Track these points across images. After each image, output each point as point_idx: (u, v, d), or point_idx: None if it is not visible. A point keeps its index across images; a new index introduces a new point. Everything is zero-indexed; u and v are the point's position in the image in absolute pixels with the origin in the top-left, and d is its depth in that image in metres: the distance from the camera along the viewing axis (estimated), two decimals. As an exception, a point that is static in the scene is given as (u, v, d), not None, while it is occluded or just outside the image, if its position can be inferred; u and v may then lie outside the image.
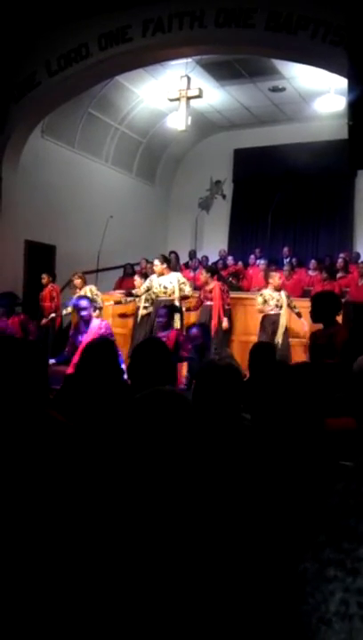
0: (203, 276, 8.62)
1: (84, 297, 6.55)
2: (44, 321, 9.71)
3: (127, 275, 11.89)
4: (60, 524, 1.37)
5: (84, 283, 8.93)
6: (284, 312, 7.91)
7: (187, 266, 12.69)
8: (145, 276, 9.05)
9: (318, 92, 11.37)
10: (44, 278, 10.02)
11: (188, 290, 7.88)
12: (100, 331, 5.79)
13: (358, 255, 12.06)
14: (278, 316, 7.90)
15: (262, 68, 11.02)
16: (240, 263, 12.53)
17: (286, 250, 12.15)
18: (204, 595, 1.16)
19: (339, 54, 7.05)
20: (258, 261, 11.81)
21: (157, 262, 8.11)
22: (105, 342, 3.29)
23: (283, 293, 8.04)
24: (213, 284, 8.37)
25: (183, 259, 12.92)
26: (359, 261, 11.34)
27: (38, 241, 11.25)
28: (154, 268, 8.27)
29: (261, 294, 8.13)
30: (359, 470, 0.45)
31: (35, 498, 1.48)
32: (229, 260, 12.66)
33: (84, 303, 5.99)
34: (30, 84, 9.63)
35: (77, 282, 8.89)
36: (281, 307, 7.93)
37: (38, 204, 10.96)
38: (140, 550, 1.20)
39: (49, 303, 9.89)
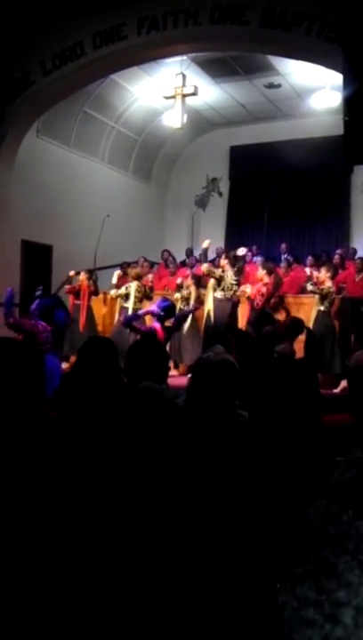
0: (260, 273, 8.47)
1: None
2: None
3: (124, 274, 11.86)
4: (54, 523, 1.37)
5: None
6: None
7: (184, 264, 12.67)
8: (196, 278, 9.09)
9: (313, 88, 11.36)
10: (86, 275, 9.38)
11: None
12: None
13: (354, 251, 12.06)
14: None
15: (257, 65, 11.00)
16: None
17: (283, 246, 12.14)
18: (196, 592, 1.15)
19: (334, 50, 7.03)
20: (255, 259, 11.80)
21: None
22: (103, 341, 3.29)
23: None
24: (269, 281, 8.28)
25: (180, 257, 12.89)
26: (356, 257, 11.33)
27: (35, 241, 11.23)
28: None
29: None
30: (343, 488, 0.41)
31: (30, 497, 1.48)
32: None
33: None
34: (25, 83, 9.60)
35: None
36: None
37: (34, 204, 10.94)
38: (132, 547, 1.20)
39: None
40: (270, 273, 8.28)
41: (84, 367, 2.92)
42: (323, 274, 8.00)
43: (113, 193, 13.11)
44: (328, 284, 7.88)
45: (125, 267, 11.96)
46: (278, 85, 11.98)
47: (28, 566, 1.31)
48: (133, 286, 8.43)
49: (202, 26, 8.33)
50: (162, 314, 6.27)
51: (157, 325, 6.12)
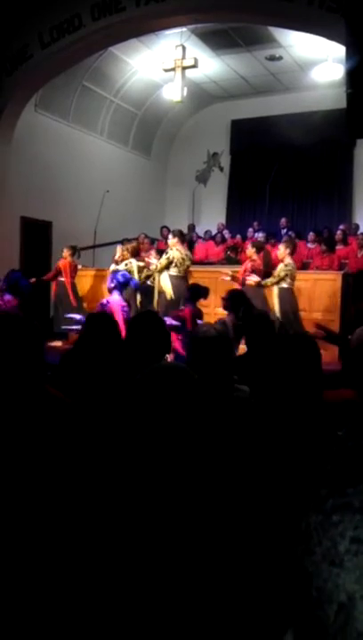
0: (249, 251, 8.31)
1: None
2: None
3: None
4: (58, 502, 1.37)
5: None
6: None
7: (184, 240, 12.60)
8: (161, 252, 8.96)
9: (315, 60, 11.18)
10: (69, 251, 9.56)
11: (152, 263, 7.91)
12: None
13: (357, 227, 11.99)
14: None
15: (258, 37, 10.82)
16: (239, 236, 12.46)
17: (283, 221, 12.06)
18: (207, 572, 1.16)
19: (336, 21, 6.90)
20: (256, 234, 11.74)
21: (169, 236, 8.10)
22: (105, 317, 3.28)
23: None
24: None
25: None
26: (359, 233, 11.28)
27: (34, 217, 11.17)
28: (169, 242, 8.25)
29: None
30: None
31: (32, 476, 1.48)
32: (226, 233, 12.58)
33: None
34: (22, 56, 9.46)
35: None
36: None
37: (33, 180, 10.85)
38: (141, 529, 1.20)
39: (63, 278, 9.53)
40: (259, 250, 8.25)
41: (87, 343, 2.92)
42: (282, 251, 7.91)
43: (113, 168, 13.00)
44: (288, 260, 7.79)
45: (125, 243, 11.92)
46: (280, 58, 11.80)
47: (28, 552, 1.32)
48: (134, 263, 8.32)
49: (202, -4, 8.18)
50: (121, 280, 6.13)
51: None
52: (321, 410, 1.91)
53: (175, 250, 7.85)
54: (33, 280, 9.29)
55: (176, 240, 7.93)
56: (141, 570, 1.14)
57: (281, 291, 7.71)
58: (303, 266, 10.50)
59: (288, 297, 7.73)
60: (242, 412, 1.91)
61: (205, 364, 1.96)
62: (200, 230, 13.30)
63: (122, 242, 11.93)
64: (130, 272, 8.24)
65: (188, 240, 8.74)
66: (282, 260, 7.80)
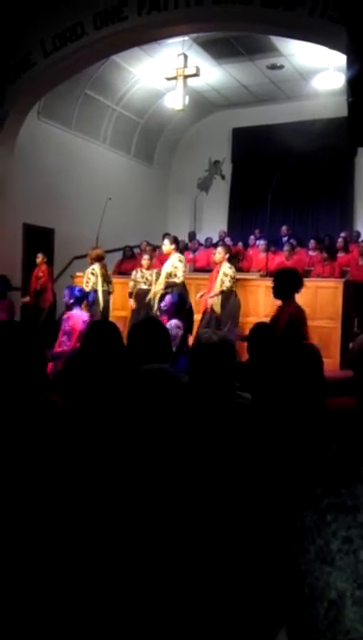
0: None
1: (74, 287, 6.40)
2: (24, 299, 9.83)
3: (126, 257, 11.85)
4: (58, 506, 1.37)
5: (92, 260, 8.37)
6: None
7: (186, 247, 12.63)
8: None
9: (316, 69, 11.23)
10: (38, 258, 10.00)
11: (178, 276, 7.63)
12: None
13: (358, 234, 12.01)
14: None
15: (259, 46, 10.88)
16: (240, 244, 12.48)
17: (284, 228, 12.08)
18: (203, 572, 1.16)
19: (338, 30, 6.94)
20: (258, 242, 11.76)
21: (166, 242, 7.97)
22: (108, 324, 3.29)
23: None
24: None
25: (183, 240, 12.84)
26: (360, 240, 11.29)
27: (37, 224, 11.20)
28: (163, 248, 8.16)
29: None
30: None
31: (34, 482, 1.48)
32: (228, 240, 12.61)
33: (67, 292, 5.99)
34: (25, 64, 9.52)
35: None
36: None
37: (36, 187, 10.89)
38: (140, 530, 1.20)
39: (35, 284, 9.89)
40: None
41: (90, 350, 2.92)
42: (222, 255, 7.90)
43: (115, 176, 13.04)
44: (226, 264, 7.80)
45: (128, 251, 11.95)
46: (281, 66, 11.86)
47: (30, 556, 1.32)
48: (96, 268, 8.11)
49: (204, 5, 8.22)
50: (78, 295, 6.04)
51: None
52: (323, 417, 1.92)
53: (177, 257, 7.83)
54: (27, 299, 9.59)
55: (173, 247, 7.90)
56: (139, 570, 1.14)
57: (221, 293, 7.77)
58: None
59: (223, 301, 7.75)
60: (244, 419, 1.91)
61: (207, 370, 1.96)
62: (201, 237, 13.32)
63: (124, 250, 11.98)
64: (95, 277, 8.09)
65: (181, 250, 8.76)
66: (221, 263, 7.81)
